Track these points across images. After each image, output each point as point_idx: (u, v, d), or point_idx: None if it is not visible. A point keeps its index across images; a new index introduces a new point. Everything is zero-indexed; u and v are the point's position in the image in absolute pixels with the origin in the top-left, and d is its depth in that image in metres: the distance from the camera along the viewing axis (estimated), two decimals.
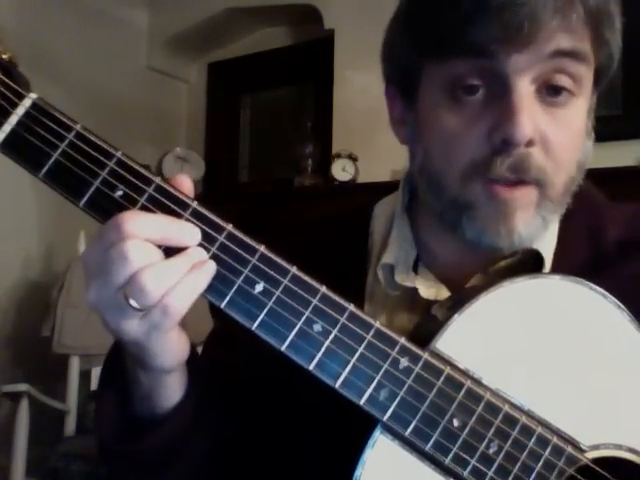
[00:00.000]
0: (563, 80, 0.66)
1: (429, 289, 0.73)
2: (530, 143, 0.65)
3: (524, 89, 0.65)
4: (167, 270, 0.55)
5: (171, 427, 0.66)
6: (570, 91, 0.66)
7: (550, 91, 0.66)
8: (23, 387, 2.58)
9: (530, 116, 0.64)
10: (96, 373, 2.93)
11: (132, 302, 0.54)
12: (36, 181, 0.57)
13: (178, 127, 3.92)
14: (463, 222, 0.68)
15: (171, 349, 0.60)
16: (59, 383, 2.93)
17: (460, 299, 0.65)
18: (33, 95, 0.58)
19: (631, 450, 0.63)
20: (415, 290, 0.73)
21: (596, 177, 0.79)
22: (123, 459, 0.68)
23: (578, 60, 0.65)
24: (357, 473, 0.59)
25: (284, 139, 3.75)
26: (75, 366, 2.88)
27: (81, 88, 3.13)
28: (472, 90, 0.66)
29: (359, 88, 3.01)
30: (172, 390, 0.65)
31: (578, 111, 0.68)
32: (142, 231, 0.55)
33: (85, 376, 2.93)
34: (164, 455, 0.67)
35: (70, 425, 2.83)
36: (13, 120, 0.57)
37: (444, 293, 0.73)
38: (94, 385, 2.93)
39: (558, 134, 0.66)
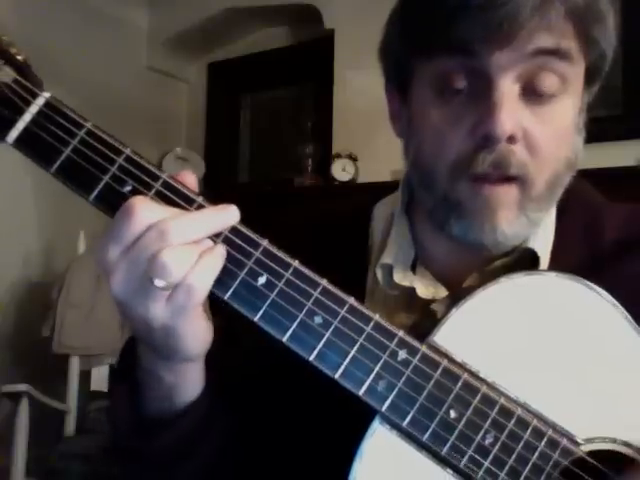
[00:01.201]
0: (547, 79, 0.66)
1: (427, 289, 0.74)
2: (512, 139, 0.66)
3: (506, 87, 0.65)
4: (184, 249, 0.56)
5: (189, 422, 0.67)
6: (555, 89, 0.67)
7: (535, 90, 0.67)
8: (23, 387, 2.59)
9: (511, 113, 0.65)
10: (96, 373, 2.94)
11: (157, 282, 0.55)
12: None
13: (178, 127, 3.93)
14: (451, 220, 0.69)
15: (198, 332, 0.61)
16: (59, 383, 2.93)
17: (458, 296, 0.66)
18: (46, 94, 0.60)
19: (626, 444, 0.64)
20: (413, 290, 0.74)
21: (596, 177, 0.80)
22: (138, 456, 0.69)
23: (562, 58, 0.66)
24: (355, 463, 0.60)
25: (284, 139, 3.76)
26: (75, 366, 2.89)
27: (81, 88, 3.13)
28: (457, 87, 0.67)
29: (359, 88, 3.01)
30: (192, 383, 0.67)
31: (565, 109, 0.69)
32: (155, 214, 0.56)
33: (85, 376, 2.94)
34: (181, 450, 0.68)
35: (70, 425, 2.84)
36: (27, 118, 0.59)
37: (442, 293, 0.74)
38: (94, 385, 2.94)
39: (542, 131, 0.67)
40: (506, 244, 0.70)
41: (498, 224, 0.67)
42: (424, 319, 0.71)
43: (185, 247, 0.56)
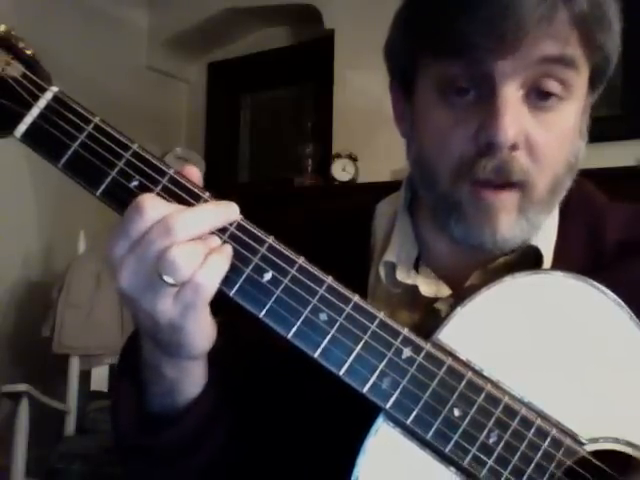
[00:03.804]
0: (551, 85, 0.66)
1: (429, 287, 0.74)
2: (514, 147, 0.66)
3: (510, 94, 0.65)
4: (192, 246, 0.57)
5: (192, 419, 0.67)
6: (559, 96, 0.67)
7: (539, 96, 0.67)
8: (23, 387, 2.59)
9: (514, 120, 0.65)
10: (96, 373, 2.93)
11: (166, 278, 0.55)
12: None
13: (178, 127, 3.93)
14: (451, 222, 0.70)
15: (205, 329, 0.61)
16: (59, 383, 2.93)
17: (462, 294, 0.66)
18: (54, 88, 0.60)
19: (629, 444, 0.64)
20: (416, 288, 0.74)
21: (596, 177, 0.80)
22: (142, 453, 0.69)
23: (566, 66, 0.66)
24: (359, 460, 0.60)
25: (284, 139, 3.76)
26: (75, 366, 2.89)
27: (81, 88, 3.10)
28: (462, 92, 0.67)
29: (359, 88, 3.01)
30: (195, 380, 0.67)
31: (568, 114, 0.69)
32: (162, 210, 0.57)
33: (85, 376, 2.94)
34: (185, 446, 0.68)
35: (70, 425, 2.84)
36: (35, 112, 0.59)
37: (444, 291, 0.74)
38: (94, 385, 2.94)
39: (544, 137, 0.67)
40: (506, 246, 0.70)
41: (498, 228, 0.68)
42: (428, 317, 0.71)
43: (193, 245, 0.57)
